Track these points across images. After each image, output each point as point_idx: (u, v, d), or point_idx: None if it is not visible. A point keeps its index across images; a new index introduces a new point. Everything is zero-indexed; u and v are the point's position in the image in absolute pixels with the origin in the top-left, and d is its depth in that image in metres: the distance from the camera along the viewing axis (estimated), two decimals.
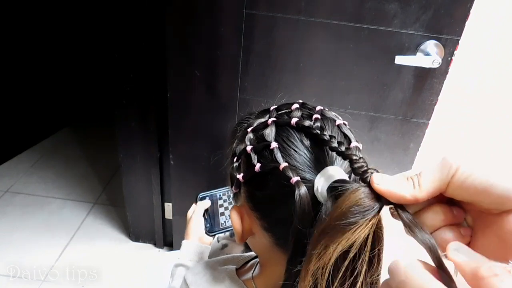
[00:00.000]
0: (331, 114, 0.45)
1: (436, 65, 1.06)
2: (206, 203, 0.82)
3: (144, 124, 1.49)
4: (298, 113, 0.44)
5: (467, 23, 1.04)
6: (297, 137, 0.42)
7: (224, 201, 0.83)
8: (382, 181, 0.30)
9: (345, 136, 0.42)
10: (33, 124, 2.51)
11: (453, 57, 1.09)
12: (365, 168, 0.32)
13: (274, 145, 0.41)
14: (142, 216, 1.77)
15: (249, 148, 0.44)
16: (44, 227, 1.91)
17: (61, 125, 2.73)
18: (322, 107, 0.46)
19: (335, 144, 0.37)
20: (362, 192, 0.30)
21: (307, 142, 0.41)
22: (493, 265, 0.22)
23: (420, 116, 1.20)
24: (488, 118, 1.29)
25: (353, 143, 0.41)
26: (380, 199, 0.30)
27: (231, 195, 0.52)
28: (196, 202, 0.83)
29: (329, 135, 0.38)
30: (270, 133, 0.43)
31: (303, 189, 0.37)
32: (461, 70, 1.19)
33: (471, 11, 1.02)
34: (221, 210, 0.82)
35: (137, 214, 1.77)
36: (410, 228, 0.27)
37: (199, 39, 1.19)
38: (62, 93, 2.64)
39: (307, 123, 0.41)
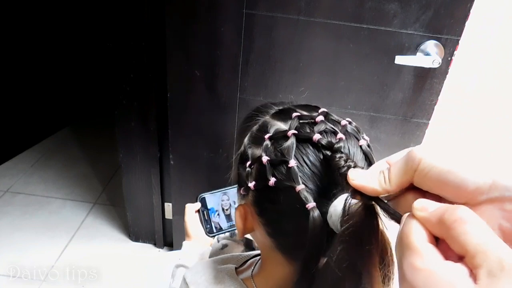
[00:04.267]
0: (353, 129, 0.43)
1: (436, 65, 1.06)
2: (196, 205, 0.82)
3: (144, 124, 1.49)
4: (322, 127, 0.41)
5: (467, 23, 1.04)
6: (317, 158, 0.39)
7: (224, 201, 0.83)
8: (356, 177, 0.32)
9: (366, 157, 0.41)
10: (33, 124, 2.51)
11: (453, 57, 1.09)
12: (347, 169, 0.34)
13: (293, 163, 0.39)
14: (142, 216, 1.77)
15: (265, 159, 0.41)
16: (44, 227, 1.91)
17: (61, 125, 2.73)
18: (346, 121, 0.43)
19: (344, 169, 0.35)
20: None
21: (324, 161, 0.39)
22: (455, 208, 0.23)
23: (420, 116, 1.20)
24: (488, 118, 1.29)
25: None
26: (361, 195, 0.32)
27: (236, 192, 0.51)
28: (196, 202, 0.83)
29: (347, 165, 0.35)
30: (289, 148, 0.40)
31: (316, 213, 0.36)
32: (461, 70, 1.19)
33: (471, 11, 1.02)
34: (221, 211, 0.82)
35: (137, 214, 1.77)
36: (389, 214, 0.30)
37: (199, 39, 1.19)
38: (62, 93, 2.64)
39: (330, 143, 0.38)
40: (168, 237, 1.81)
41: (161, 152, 1.56)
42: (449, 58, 1.09)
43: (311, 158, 0.39)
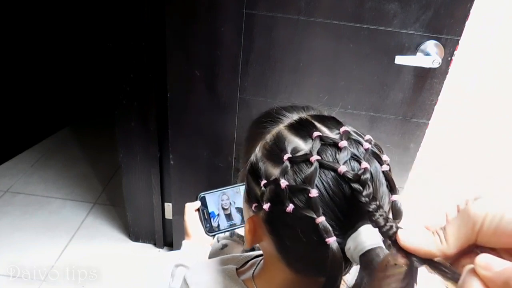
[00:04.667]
0: (375, 151, 0.40)
1: (436, 65, 1.06)
2: (195, 204, 0.81)
3: (144, 124, 1.49)
4: (346, 155, 0.38)
5: (467, 23, 1.04)
6: (340, 188, 0.37)
7: (224, 200, 0.83)
8: (408, 239, 0.30)
9: (388, 183, 0.39)
10: (33, 124, 2.51)
11: (453, 57, 1.09)
12: (394, 230, 0.31)
13: (314, 193, 0.37)
14: (142, 216, 1.77)
15: (283, 184, 0.38)
16: (44, 227, 1.91)
17: (61, 125, 2.73)
18: (369, 144, 0.41)
19: (374, 212, 0.34)
20: (391, 260, 0.30)
21: (348, 193, 0.37)
22: None
23: (420, 116, 1.20)
24: (488, 118, 1.29)
25: (394, 196, 0.38)
26: (410, 257, 0.29)
27: (244, 202, 0.50)
28: (196, 201, 0.83)
29: (374, 206, 0.34)
30: (312, 177, 0.37)
31: (335, 246, 0.35)
32: (461, 70, 1.19)
33: (471, 11, 1.02)
34: (221, 210, 0.82)
35: (137, 214, 1.77)
36: (447, 275, 0.27)
37: (199, 39, 1.19)
38: (62, 93, 2.64)
39: (356, 176, 0.37)
40: (168, 237, 1.81)
41: (161, 152, 1.56)
42: (449, 58, 1.09)
43: (333, 188, 0.37)
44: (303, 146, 0.41)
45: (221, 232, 0.82)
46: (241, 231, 0.85)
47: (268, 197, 0.41)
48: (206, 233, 0.80)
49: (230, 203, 0.83)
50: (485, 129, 1.31)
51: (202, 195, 0.82)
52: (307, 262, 0.42)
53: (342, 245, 0.36)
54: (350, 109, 1.21)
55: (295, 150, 0.40)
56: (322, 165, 0.38)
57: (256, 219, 0.45)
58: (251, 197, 0.45)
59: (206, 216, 0.81)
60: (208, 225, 0.80)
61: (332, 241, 0.35)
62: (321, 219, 0.36)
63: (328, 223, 0.36)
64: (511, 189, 1.35)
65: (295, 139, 0.42)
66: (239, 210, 0.82)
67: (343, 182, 0.37)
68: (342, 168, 0.37)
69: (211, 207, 0.82)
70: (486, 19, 1.12)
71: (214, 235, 0.81)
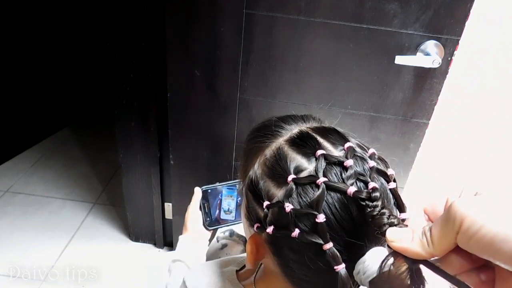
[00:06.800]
0: (380, 168, 0.39)
1: (436, 65, 1.06)
2: (199, 195, 0.80)
3: (144, 124, 1.49)
4: (353, 175, 0.36)
5: (467, 23, 1.04)
6: (348, 211, 0.36)
7: (226, 195, 0.83)
8: (396, 239, 0.30)
9: (396, 201, 0.37)
10: (33, 124, 2.51)
11: (453, 57, 1.09)
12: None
13: (321, 219, 0.35)
14: (142, 216, 1.77)
15: (288, 208, 0.36)
16: (44, 227, 1.91)
17: (61, 125, 2.73)
18: (374, 160, 0.39)
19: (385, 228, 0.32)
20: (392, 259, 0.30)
21: (355, 215, 0.36)
22: None
23: (420, 116, 1.20)
24: (488, 118, 1.29)
25: (403, 214, 0.36)
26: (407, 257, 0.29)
27: (243, 218, 0.48)
28: None
29: (389, 222, 0.33)
30: (319, 201, 0.35)
31: (344, 272, 0.34)
32: (461, 70, 1.19)
33: (471, 11, 1.02)
34: (222, 204, 0.82)
35: (137, 214, 1.77)
36: (445, 278, 0.27)
37: (199, 39, 1.19)
38: (62, 93, 2.64)
39: (367, 194, 0.35)
40: (168, 237, 1.81)
41: (161, 152, 1.56)
42: (449, 58, 1.09)
43: (340, 212, 0.36)
44: (306, 165, 0.39)
45: (221, 227, 0.82)
46: (240, 229, 0.85)
47: (272, 220, 0.39)
48: (205, 227, 0.79)
49: (232, 198, 0.83)
50: (485, 129, 1.31)
51: (204, 189, 0.81)
52: (313, 284, 0.41)
53: (350, 269, 0.35)
54: (350, 109, 1.21)
55: (298, 170, 0.38)
56: (329, 187, 0.36)
57: (258, 239, 0.43)
58: (252, 216, 0.43)
59: (206, 210, 0.81)
60: (208, 218, 0.80)
61: (341, 268, 0.34)
62: (329, 246, 0.35)
63: (336, 248, 0.35)
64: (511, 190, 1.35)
65: (297, 157, 0.39)
66: (240, 205, 0.82)
67: (351, 204, 0.36)
68: (351, 189, 0.35)
69: (212, 201, 0.82)
70: (486, 19, 1.12)
71: (213, 229, 0.81)
